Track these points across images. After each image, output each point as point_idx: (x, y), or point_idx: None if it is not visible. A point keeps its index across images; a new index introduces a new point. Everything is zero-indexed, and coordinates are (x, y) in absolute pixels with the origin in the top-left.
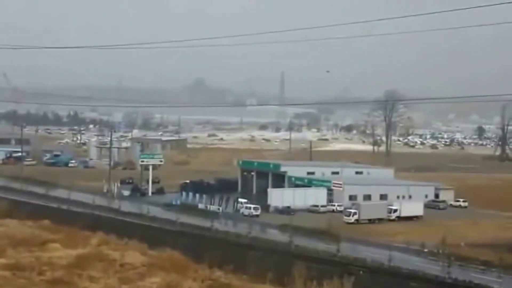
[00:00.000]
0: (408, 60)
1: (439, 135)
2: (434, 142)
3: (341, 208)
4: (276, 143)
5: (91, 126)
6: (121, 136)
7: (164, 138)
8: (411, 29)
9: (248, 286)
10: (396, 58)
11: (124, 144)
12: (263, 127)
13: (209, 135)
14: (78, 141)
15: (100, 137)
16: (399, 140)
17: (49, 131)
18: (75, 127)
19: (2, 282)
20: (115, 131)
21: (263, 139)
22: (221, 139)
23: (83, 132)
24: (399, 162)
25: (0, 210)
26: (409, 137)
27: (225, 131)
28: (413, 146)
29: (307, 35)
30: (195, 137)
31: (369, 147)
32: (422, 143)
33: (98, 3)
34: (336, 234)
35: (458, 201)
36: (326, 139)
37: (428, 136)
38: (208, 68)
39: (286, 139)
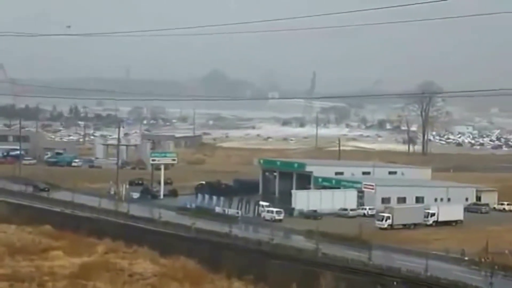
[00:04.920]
0: (446, 50)
1: (487, 133)
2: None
3: (373, 212)
4: (292, 141)
5: (80, 123)
6: (126, 134)
7: (177, 135)
8: (448, 15)
9: None
10: (433, 48)
11: (133, 142)
12: (285, 123)
13: (203, 134)
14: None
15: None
16: (441, 139)
17: (49, 127)
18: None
19: None
20: (122, 127)
21: (268, 137)
22: (226, 136)
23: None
24: (436, 162)
25: None
26: (451, 135)
27: (223, 129)
28: (472, 145)
29: (335, 22)
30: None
31: (403, 145)
32: (481, 144)
33: None
34: (368, 241)
35: (502, 204)
36: (354, 139)
37: (476, 134)
38: (225, 59)
39: (305, 138)
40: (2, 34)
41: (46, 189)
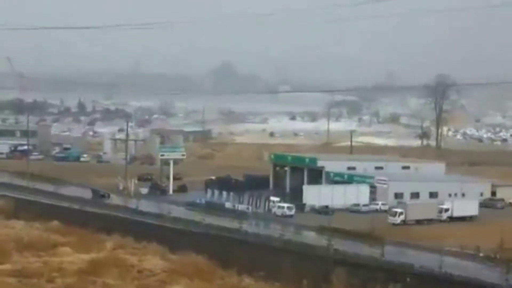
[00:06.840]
0: (463, 41)
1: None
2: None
3: (386, 208)
4: (301, 136)
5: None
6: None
7: (186, 129)
8: (468, 5)
9: None
10: (449, 38)
11: (141, 136)
12: (294, 117)
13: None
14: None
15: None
16: (455, 134)
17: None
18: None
19: None
20: (131, 122)
21: (271, 132)
22: (232, 133)
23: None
24: (451, 157)
25: (5, 210)
26: (468, 130)
27: (232, 123)
28: (493, 140)
29: (346, 13)
30: None
31: (417, 140)
32: (503, 140)
33: None
34: (380, 237)
35: None
36: (365, 134)
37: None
38: (235, 51)
39: (316, 133)
40: (6, 28)
41: (107, 195)
